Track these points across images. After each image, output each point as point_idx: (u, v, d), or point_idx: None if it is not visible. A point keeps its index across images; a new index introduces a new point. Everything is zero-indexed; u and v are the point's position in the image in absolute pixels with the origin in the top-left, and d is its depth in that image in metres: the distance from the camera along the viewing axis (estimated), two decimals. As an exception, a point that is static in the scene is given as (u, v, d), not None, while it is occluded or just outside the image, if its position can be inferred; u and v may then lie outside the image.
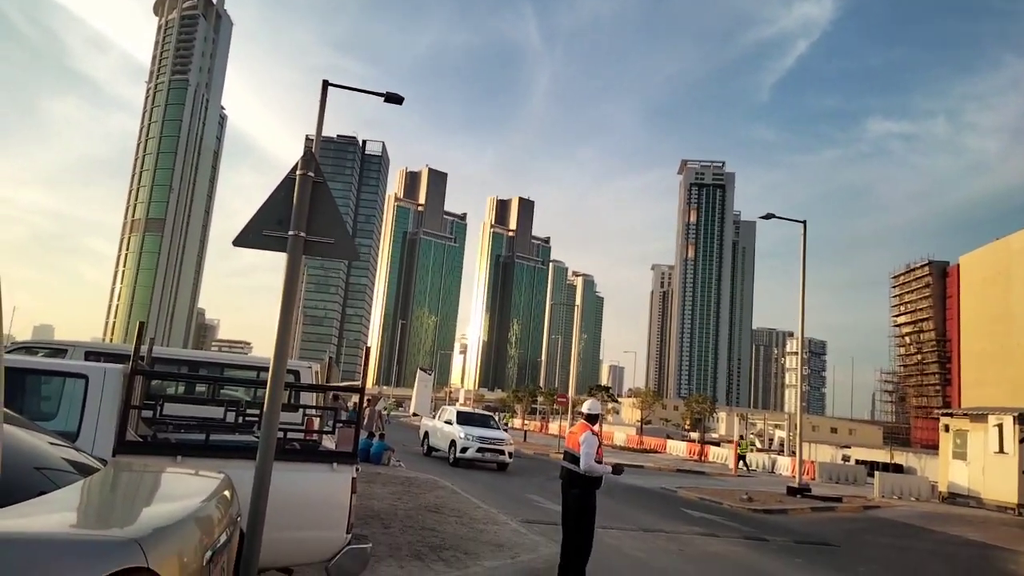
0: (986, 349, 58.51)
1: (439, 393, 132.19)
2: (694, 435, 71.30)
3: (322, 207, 4.87)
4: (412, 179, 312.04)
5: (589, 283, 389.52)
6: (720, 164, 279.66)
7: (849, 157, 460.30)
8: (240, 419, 5.92)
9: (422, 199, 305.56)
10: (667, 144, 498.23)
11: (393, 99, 18.93)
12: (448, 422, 24.02)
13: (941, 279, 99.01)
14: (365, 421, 21.91)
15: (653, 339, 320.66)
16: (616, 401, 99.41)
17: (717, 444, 52.07)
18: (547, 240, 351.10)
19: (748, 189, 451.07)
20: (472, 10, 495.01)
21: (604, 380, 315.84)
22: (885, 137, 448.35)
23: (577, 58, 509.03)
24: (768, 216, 26.12)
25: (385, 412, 40.86)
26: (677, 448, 48.93)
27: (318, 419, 8.51)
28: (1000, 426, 22.46)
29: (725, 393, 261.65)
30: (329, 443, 8.03)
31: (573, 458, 7.96)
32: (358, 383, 6.01)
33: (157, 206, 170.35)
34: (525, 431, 59.00)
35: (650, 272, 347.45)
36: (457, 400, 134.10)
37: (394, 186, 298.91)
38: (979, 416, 23.82)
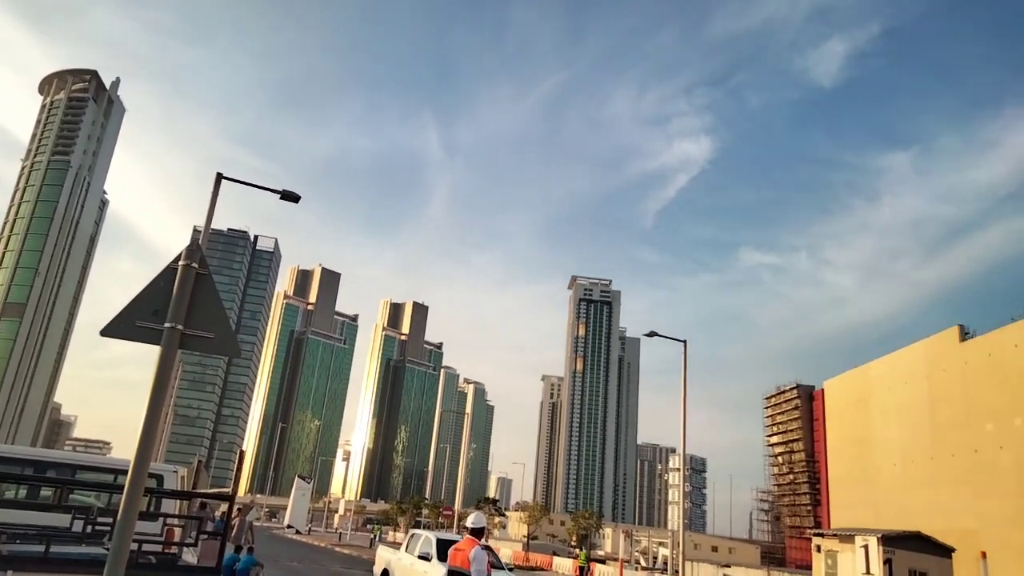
0: (851, 471, 61.77)
1: (318, 503, 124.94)
2: (585, 552, 70.38)
3: (204, 300, 4.65)
4: (304, 277, 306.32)
5: (480, 391, 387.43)
6: (607, 282, 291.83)
7: (725, 283, 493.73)
8: (90, 528, 5.33)
9: (313, 298, 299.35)
10: (560, 259, 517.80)
11: (289, 197, 18.85)
12: (424, 557, 16.93)
13: (808, 402, 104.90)
14: (233, 533, 20.29)
15: (542, 451, 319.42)
16: (503, 515, 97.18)
17: (603, 562, 51.41)
18: (439, 346, 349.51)
19: (635, 306, 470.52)
20: (375, 117, 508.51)
21: (492, 492, 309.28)
22: (756, 267, 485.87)
23: (477, 170, 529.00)
24: (651, 334, 27.27)
25: (257, 522, 38.12)
26: (563, 565, 47.91)
27: (180, 529, 7.81)
28: (866, 547, 23.45)
29: (611, 508, 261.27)
30: (190, 557, 7.37)
31: (461, 576, 7.58)
32: (228, 490, 5.61)
33: (19, 289, 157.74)
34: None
35: (541, 383, 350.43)
36: (337, 511, 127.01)
37: (284, 283, 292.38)
38: (847, 537, 24.81)
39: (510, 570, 18.55)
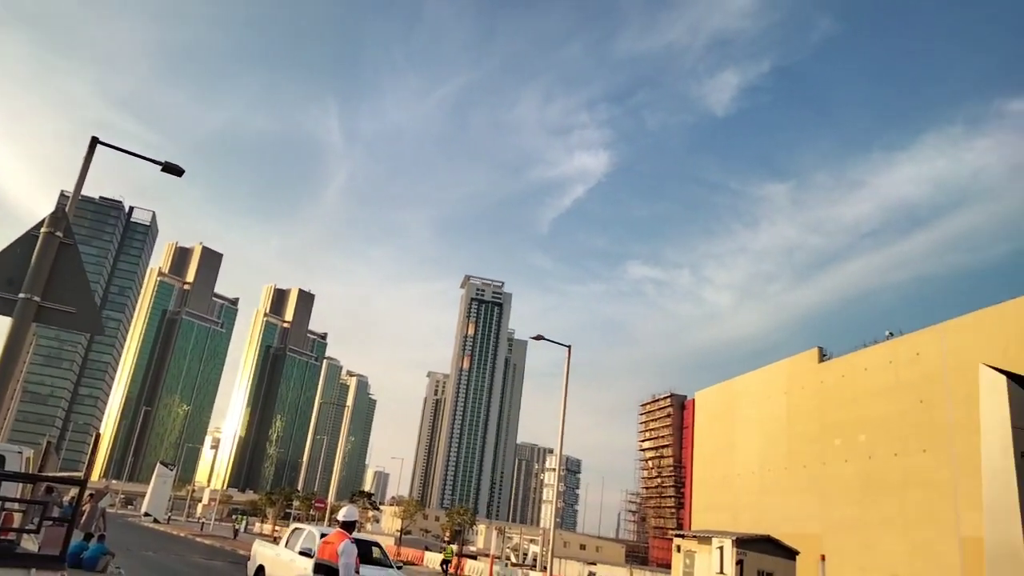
0: (713, 477, 65.26)
1: (180, 492, 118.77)
2: (452, 547, 70.64)
3: (66, 272, 4.35)
4: (182, 255, 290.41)
5: (363, 384, 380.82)
6: (500, 284, 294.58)
7: (611, 293, 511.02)
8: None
9: (190, 277, 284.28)
10: (454, 257, 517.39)
11: (172, 169, 17.78)
12: (306, 553, 15.21)
13: (680, 410, 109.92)
14: (83, 520, 19.00)
15: (422, 447, 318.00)
16: (377, 509, 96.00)
17: (474, 557, 51.79)
18: (324, 336, 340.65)
19: (525, 309, 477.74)
20: (273, 97, 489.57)
21: (368, 486, 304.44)
22: (641, 280, 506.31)
23: (377, 161, 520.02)
24: (538, 337, 27.83)
25: (111, 509, 35.88)
26: (434, 560, 47.91)
27: (20, 514, 7.25)
28: (721, 548, 24.88)
29: (487, 505, 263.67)
30: (31, 544, 6.87)
31: (330, 571, 7.46)
32: (80, 474, 5.27)
33: None
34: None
35: (426, 379, 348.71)
36: (201, 500, 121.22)
37: (160, 260, 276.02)
38: (705, 538, 26.23)
39: (399, 567, 17.34)
